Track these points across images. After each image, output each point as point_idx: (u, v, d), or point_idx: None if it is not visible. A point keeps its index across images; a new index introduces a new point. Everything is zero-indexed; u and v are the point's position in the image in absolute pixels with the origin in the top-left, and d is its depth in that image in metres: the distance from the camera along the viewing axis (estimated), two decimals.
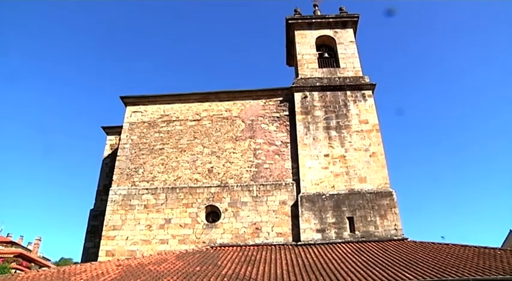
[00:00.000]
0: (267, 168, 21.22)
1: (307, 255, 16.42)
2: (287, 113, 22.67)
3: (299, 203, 19.70)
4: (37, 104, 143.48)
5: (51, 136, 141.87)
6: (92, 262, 16.85)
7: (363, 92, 22.67)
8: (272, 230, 19.57)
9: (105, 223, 19.95)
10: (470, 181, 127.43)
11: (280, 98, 23.17)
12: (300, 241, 18.80)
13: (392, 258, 14.84)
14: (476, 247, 16.06)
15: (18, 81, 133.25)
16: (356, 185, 20.01)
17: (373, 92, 22.79)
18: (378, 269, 13.34)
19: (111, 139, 25.15)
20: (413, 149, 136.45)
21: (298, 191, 20.24)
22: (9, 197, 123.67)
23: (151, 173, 21.32)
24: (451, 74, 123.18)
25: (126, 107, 23.34)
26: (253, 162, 21.38)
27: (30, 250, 53.22)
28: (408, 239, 18.21)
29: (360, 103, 22.32)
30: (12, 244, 51.25)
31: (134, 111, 23.19)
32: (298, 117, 22.05)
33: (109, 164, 23.69)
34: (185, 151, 21.89)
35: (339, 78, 23.42)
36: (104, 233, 19.68)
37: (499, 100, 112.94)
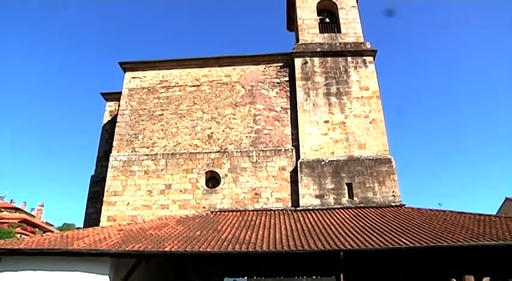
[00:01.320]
0: (266, 134, 21.22)
1: (306, 220, 16.61)
2: (287, 78, 22.48)
3: (298, 169, 19.79)
4: (36, 71, 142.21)
5: (50, 104, 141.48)
6: (94, 227, 17.07)
7: (363, 58, 22.39)
8: (271, 196, 19.75)
9: (106, 189, 20.12)
10: (469, 149, 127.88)
11: (281, 64, 22.92)
12: (299, 206, 19.00)
13: (389, 224, 15.03)
14: (472, 213, 16.24)
15: (15, 48, 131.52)
16: (355, 151, 20.07)
17: (374, 59, 22.51)
18: (375, 234, 13.52)
19: (111, 105, 25.02)
20: (412, 117, 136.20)
21: (298, 157, 20.30)
22: (11, 164, 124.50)
23: (151, 139, 21.34)
24: (452, 42, 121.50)
25: (124, 73, 23.12)
26: (253, 128, 21.36)
27: (33, 216, 53.93)
28: (406, 206, 18.41)
29: (361, 69, 22.09)
30: (16, 210, 51.89)
31: (133, 77, 22.98)
32: (298, 83, 21.87)
33: (109, 130, 23.66)
34: (185, 116, 21.83)
35: (339, 44, 23.07)
36: (105, 199, 19.88)
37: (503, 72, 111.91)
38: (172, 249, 12.74)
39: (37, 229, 44.46)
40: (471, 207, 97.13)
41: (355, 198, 18.91)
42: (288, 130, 21.25)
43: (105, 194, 19.98)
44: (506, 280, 18.68)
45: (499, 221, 14.72)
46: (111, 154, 21.04)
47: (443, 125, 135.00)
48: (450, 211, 16.93)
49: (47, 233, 21.46)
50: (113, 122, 23.28)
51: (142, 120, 21.85)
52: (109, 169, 20.59)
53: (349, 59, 22.41)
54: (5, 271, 13.10)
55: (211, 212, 18.94)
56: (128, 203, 19.69)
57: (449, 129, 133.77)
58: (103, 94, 25.42)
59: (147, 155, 20.86)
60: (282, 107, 21.81)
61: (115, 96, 24.36)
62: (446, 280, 13.16)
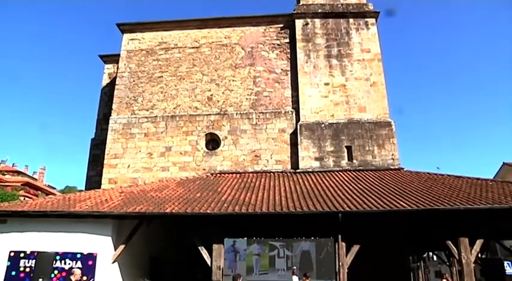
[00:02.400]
0: (266, 96, 21.12)
1: (305, 182, 16.75)
2: (288, 40, 22.15)
3: (298, 131, 19.82)
4: (33, 33, 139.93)
5: (49, 66, 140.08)
6: (96, 190, 17.27)
7: (366, 20, 21.98)
8: (271, 158, 19.86)
9: (106, 152, 20.21)
10: (468, 114, 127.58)
11: (281, 25, 22.52)
12: (298, 168, 19.12)
13: (388, 187, 15.17)
14: (469, 178, 16.37)
15: (13, 11, 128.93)
16: (355, 114, 20.02)
17: (376, 21, 22.10)
18: (373, 197, 13.66)
19: (109, 68, 24.77)
20: (413, 81, 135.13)
21: (298, 119, 20.29)
22: (12, 128, 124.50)
23: (150, 102, 21.26)
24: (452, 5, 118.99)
25: (123, 34, 22.77)
26: (252, 90, 21.24)
27: (35, 179, 54.27)
28: (404, 169, 18.53)
29: (363, 31, 21.72)
30: (19, 173, 52.20)
31: (131, 39, 22.64)
32: (299, 44, 21.57)
33: (108, 93, 23.53)
34: (184, 78, 21.66)
35: (341, 5, 22.59)
36: (105, 161, 20.01)
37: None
38: (173, 211, 12.91)
39: (40, 192, 44.84)
40: (469, 171, 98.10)
41: (354, 161, 19.00)
42: (288, 92, 21.14)
43: (106, 157, 20.10)
44: (498, 242, 19.11)
45: (496, 186, 14.86)
46: (110, 117, 21.02)
47: (443, 91, 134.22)
48: (448, 175, 17.06)
49: (50, 196, 21.65)
50: (111, 84, 23.11)
51: (142, 82, 21.69)
52: (109, 131, 20.61)
53: (351, 20, 22.01)
54: (11, 232, 13.37)
55: (211, 174, 19.09)
56: (129, 166, 19.84)
57: (449, 94, 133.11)
58: (101, 56, 25.13)
59: (146, 117, 20.84)
60: (282, 69, 21.61)
61: (113, 58, 24.06)
62: (442, 242, 13.45)
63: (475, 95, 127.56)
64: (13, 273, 12.75)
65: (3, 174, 47.74)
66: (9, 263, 12.90)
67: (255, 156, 19.87)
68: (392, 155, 18.95)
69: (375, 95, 20.35)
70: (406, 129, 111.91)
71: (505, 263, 12.30)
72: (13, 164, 55.60)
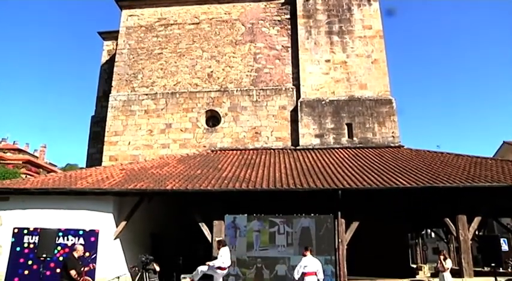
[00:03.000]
0: (267, 73, 20.99)
1: (306, 159, 16.82)
2: (288, 16, 21.87)
3: (299, 108, 19.78)
4: (31, 10, 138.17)
5: (48, 43, 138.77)
6: (96, 167, 17.33)
7: None
8: (271, 135, 19.87)
9: (106, 129, 20.22)
10: (469, 92, 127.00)
11: (282, 1, 22.20)
12: (298, 145, 19.16)
13: (388, 164, 15.23)
14: (469, 156, 16.41)
15: None
16: (356, 91, 19.93)
17: None
18: (373, 174, 13.74)
19: (108, 45, 24.55)
20: (414, 59, 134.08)
21: (298, 96, 20.21)
22: (12, 106, 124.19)
23: (150, 79, 21.15)
24: None
25: (121, 10, 22.49)
26: (253, 66, 21.10)
27: (37, 157, 54.34)
28: (404, 147, 18.57)
29: (365, 7, 21.41)
30: (20, 151, 52.26)
31: (130, 15, 22.37)
32: (300, 21, 21.31)
33: (107, 70, 23.38)
34: (184, 55, 21.49)
35: None
36: (106, 139, 20.04)
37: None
38: (174, 187, 13.02)
39: (41, 170, 45.04)
40: (469, 150, 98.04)
41: (354, 138, 19.01)
42: (288, 69, 21.00)
43: (106, 134, 20.12)
44: (496, 220, 19.28)
45: (495, 164, 14.93)
46: (110, 94, 20.94)
47: (444, 69, 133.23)
48: (448, 153, 17.11)
49: (51, 173, 21.71)
50: (111, 61, 22.95)
51: (141, 59, 21.53)
52: (109, 109, 20.58)
53: None
54: (14, 209, 13.53)
55: (212, 151, 19.14)
56: (129, 143, 19.87)
57: (451, 73, 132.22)
58: (100, 33, 24.90)
59: (146, 94, 20.77)
60: (282, 46, 21.42)
61: (113, 35, 23.83)
62: (440, 219, 13.58)
63: (476, 74, 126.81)
64: (18, 249, 12.96)
65: (4, 152, 47.85)
66: (13, 239, 13.08)
67: (255, 133, 19.88)
68: (393, 132, 18.95)
69: (376, 72, 20.22)
70: (407, 107, 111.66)
71: (501, 240, 12.44)
72: (14, 142, 55.62)
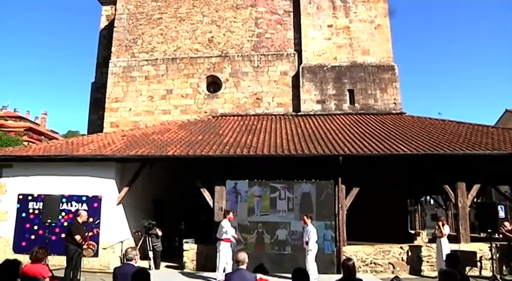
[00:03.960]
0: (268, 38, 20.67)
1: (307, 125, 16.81)
2: None
3: (300, 74, 19.60)
4: None
5: (46, 8, 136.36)
6: (98, 133, 17.35)
7: None
8: (273, 101, 19.78)
9: (107, 96, 20.11)
10: (472, 60, 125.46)
11: None
12: (300, 111, 19.11)
13: (389, 131, 15.22)
14: (470, 124, 16.37)
15: None
16: (359, 57, 19.67)
17: None
18: (374, 140, 13.75)
19: (107, 10, 24.00)
20: (417, 26, 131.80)
21: (300, 62, 19.98)
22: (12, 73, 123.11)
23: (150, 44, 20.86)
24: None
25: None
26: (254, 31, 20.76)
27: (38, 124, 54.17)
28: (406, 114, 18.51)
29: None
30: (21, 118, 52.04)
31: None
32: None
33: (106, 36, 22.93)
34: (184, 20, 21.10)
35: None
36: (106, 105, 19.96)
37: None
38: (175, 153, 13.07)
39: (43, 137, 44.99)
40: (471, 118, 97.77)
41: (356, 104, 18.93)
42: (290, 34, 20.66)
43: (107, 100, 20.02)
44: (495, 187, 19.40)
45: (496, 132, 14.91)
46: (110, 60, 20.70)
47: (448, 36, 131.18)
48: (449, 121, 17.08)
49: (53, 140, 21.75)
50: (110, 27, 22.52)
51: (141, 24, 21.17)
52: (109, 75, 20.39)
53: None
54: (17, 176, 13.67)
55: (213, 117, 19.10)
56: (130, 109, 19.81)
57: (454, 40, 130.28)
58: None
59: (147, 60, 20.54)
60: (284, 10, 21.00)
61: None
62: (440, 186, 13.67)
63: (480, 41, 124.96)
64: (23, 215, 13.21)
65: (5, 119, 47.74)
66: (18, 205, 13.30)
67: (257, 99, 19.78)
68: (395, 99, 18.84)
69: (379, 37, 19.89)
70: (410, 74, 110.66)
71: (499, 207, 12.56)
72: (14, 109, 55.30)
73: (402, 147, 12.86)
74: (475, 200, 16.19)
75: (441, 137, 14.18)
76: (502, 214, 17.70)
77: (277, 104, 19.70)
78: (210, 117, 19.12)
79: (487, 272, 11.50)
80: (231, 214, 11.06)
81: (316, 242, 10.66)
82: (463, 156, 12.42)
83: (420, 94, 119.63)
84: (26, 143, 26.08)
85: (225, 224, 10.72)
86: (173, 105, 19.83)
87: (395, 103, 18.80)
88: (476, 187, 13.20)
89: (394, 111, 18.55)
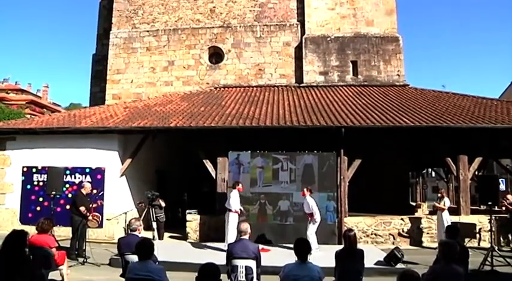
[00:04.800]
0: (271, 8, 20.35)
1: (309, 97, 16.76)
2: None
3: (303, 45, 19.40)
4: None
5: None
6: (100, 106, 17.31)
7: None
8: (275, 72, 19.64)
9: (108, 67, 19.96)
10: (476, 31, 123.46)
11: None
12: (302, 82, 19.00)
13: (392, 103, 15.16)
14: (474, 97, 16.28)
15: None
16: (362, 28, 19.39)
17: None
18: (377, 112, 13.71)
19: None
20: None
21: (303, 32, 19.74)
22: (12, 46, 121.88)
23: (151, 15, 20.56)
24: None
25: None
26: (257, 1, 20.41)
27: (40, 97, 53.87)
28: (409, 86, 18.39)
29: None
30: (22, 91, 51.67)
31: None
32: None
33: (107, 6, 22.49)
34: None
35: None
36: (108, 77, 19.83)
37: None
38: (178, 125, 13.10)
39: (45, 110, 44.86)
40: (475, 91, 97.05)
41: (359, 76, 18.79)
42: (293, 4, 20.32)
43: (108, 72, 19.88)
44: (496, 160, 19.42)
45: (500, 105, 14.84)
46: (111, 32, 20.45)
47: (453, 7, 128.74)
48: (453, 93, 16.98)
49: (55, 113, 21.72)
50: None
51: None
52: (110, 46, 20.18)
53: None
54: (21, 148, 13.77)
55: (215, 88, 19.01)
56: (132, 81, 19.71)
57: (459, 12, 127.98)
58: None
59: (148, 31, 20.30)
60: None
61: None
62: (442, 159, 13.69)
63: (486, 12, 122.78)
64: (28, 187, 13.37)
65: (7, 93, 47.53)
66: (23, 177, 13.44)
67: (259, 70, 19.63)
68: (398, 71, 18.68)
69: (383, 8, 19.54)
70: (414, 46, 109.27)
71: (500, 180, 12.60)
72: (16, 82, 54.85)
73: (405, 119, 12.83)
74: (477, 173, 16.22)
75: (444, 109, 14.12)
76: (502, 187, 17.81)
77: (279, 76, 19.57)
78: (212, 88, 19.03)
79: (485, 244, 11.61)
80: (240, 185, 11.04)
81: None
82: (466, 129, 12.40)
83: (424, 67, 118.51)
84: (28, 116, 26.09)
85: (234, 195, 10.71)
86: (175, 77, 19.72)
87: (398, 75, 18.65)
88: (478, 160, 13.23)
89: (397, 83, 18.42)
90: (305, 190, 10.93)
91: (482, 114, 13.47)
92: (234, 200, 10.64)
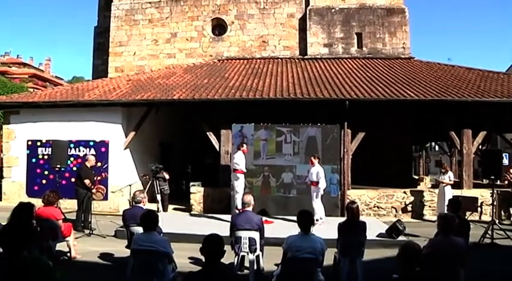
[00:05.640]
0: None
1: (313, 69, 16.63)
2: None
3: (307, 16, 19.15)
4: None
5: None
6: (103, 79, 17.22)
7: None
8: (279, 44, 19.44)
9: (110, 40, 19.76)
10: (484, 3, 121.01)
11: None
12: (306, 54, 18.83)
13: (397, 76, 15.04)
14: (480, 70, 16.09)
15: None
16: None
17: None
18: (381, 85, 13.62)
19: None
20: None
21: (307, 3, 19.44)
22: (12, 18, 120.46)
23: None
24: None
25: None
26: None
27: (42, 70, 53.45)
28: (415, 59, 18.19)
29: None
30: (24, 65, 51.22)
31: None
32: None
33: None
34: None
35: None
36: (110, 50, 19.66)
37: None
38: (181, 97, 13.07)
39: (48, 83, 44.57)
40: (482, 64, 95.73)
41: (364, 48, 18.58)
42: None
43: (111, 45, 19.69)
44: (500, 135, 19.35)
45: (507, 79, 14.67)
46: (112, 3, 20.15)
47: None
48: (459, 66, 16.78)
49: (58, 86, 21.60)
50: None
51: None
52: (112, 18, 19.94)
53: None
54: (25, 122, 13.83)
55: (218, 60, 18.86)
56: (134, 53, 19.55)
57: None
58: None
59: (150, 2, 19.99)
60: None
61: None
62: (446, 133, 13.65)
63: None
64: (33, 160, 13.49)
65: (9, 66, 47.11)
66: (28, 151, 13.54)
67: (263, 42, 19.42)
68: (404, 43, 18.45)
69: None
70: (420, 19, 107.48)
71: (503, 154, 12.55)
72: (17, 56, 54.37)
73: (409, 92, 12.75)
74: (480, 147, 16.20)
75: (449, 83, 14.00)
76: (506, 161, 17.77)
77: (283, 48, 19.38)
78: (215, 60, 18.89)
79: (486, 217, 11.69)
80: (244, 146, 11.01)
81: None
82: (471, 103, 12.31)
83: (430, 40, 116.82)
84: (31, 90, 25.99)
85: (239, 155, 10.71)
86: (178, 49, 19.54)
87: (404, 48, 18.44)
88: (482, 134, 13.20)
89: (402, 56, 18.23)
90: (313, 158, 10.84)
91: (488, 88, 13.35)
92: (240, 160, 10.63)
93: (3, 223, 4.51)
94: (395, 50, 18.43)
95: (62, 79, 58.25)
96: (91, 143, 13.24)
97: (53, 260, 4.19)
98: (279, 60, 18.54)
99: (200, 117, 13.35)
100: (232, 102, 12.95)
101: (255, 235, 6.33)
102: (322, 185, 10.41)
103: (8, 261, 3.23)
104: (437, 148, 37.50)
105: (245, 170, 10.77)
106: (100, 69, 20.87)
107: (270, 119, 12.88)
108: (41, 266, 3.36)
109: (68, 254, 7.29)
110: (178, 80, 15.35)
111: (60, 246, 7.23)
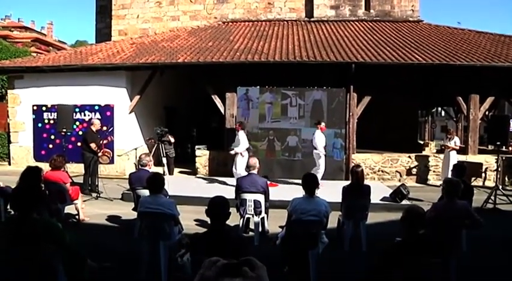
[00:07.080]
0: None
1: (320, 31, 16.37)
2: None
3: None
4: None
5: None
6: (106, 42, 17.01)
7: None
8: (285, 6, 19.02)
9: (113, 2, 19.31)
10: None
11: None
12: (312, 17, 18.46)
13: (404, 39, 14.77)
14: (492, 34, 15.74)
15: None
16: None
17: None
18: (388, 49, 13.42)
19: None
20: None
21: None
22: None
23: None
24: None
25: None
26: None
27: (45, 34, 52.80)
28: (423, 22, 17.78)
29: None
30: (26, 29, 50.55)
31: None
32: None
33: None
34: None
35: None
36: (113, 12, 19.25)
37: None
38: (185, 60, 12.98)
39: (51, 48, 44.03)
40: (494, 28, 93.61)
41: (371, 10, 18.17)
42: None
43: (113, 7, 19.28)
44: (508, 101, 19.15)
45: None
46: None
47: None
48: (469, 30, 16.42)
49: (61, 51, 21.36)
50: None
51: None
52: None
53: None
54: (29, 87, 13.83)
55: (223, 23, 18.54)
56: (138, 16, 19.20)
57: None
58: None
59: None
60: None
61: None
62: (453, 98, 13.53)
63: None
64: (39, 125, 13.61)
65: (10, 30, 46.48)
66: (34, 116, 13.63)
67: (268, 3, 19.00)
68: (413, 6, 18.03)
69: None
70: None
71: (511, 120, 12.39)
72: (18, 19, 53.59)
73: (417, 56, 12.56)
74: (487, 113, 16.07)
75: (458, 47, 13.75)
76: None
77: (289, 9, 18.96)
78: (220, 23, 18.56)
79: (490, 183, 11.75)
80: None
81: (324, 147, 10.69)
82: (480, 67, 12.13)
83: (440, 2, 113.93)
84: (34, 54, 25.78)
85: (242, 135, 10.60)
86: (182, 11, 19.17)
87: (412, 10, 18.01)
88: (489, 100, 13.07)
89: (411, 19, 17.82)
90: (323, 124, 10.78)
91: (498, 52, 13.09)
92: (237, 142, 10.49)
93: (13, 187, 4.59)
94: (404, 13, 18.02)
95: (65, 43, 57.57)
96: (96, 107, 13.28)
97: (62, 223, 4.25)
98: (285, 22, 18.18)
99: (205, 80, 13.28)
100: (237, 65, 12.83)
101: (260, 197, 6.41)
102: (321, 151, 10.44)
103: (19, 223, 3.30)
104: (443, 113, 37.33)
105: (245, 152, 10.48)
106: (103, 32, 20.57)
107: (276, 82, 12.80)
108: (50, 227, 3.44)
109: (77, 216, 7.44)
110: (183, 43, 15.18)
111: (69, 209, 7.37)
